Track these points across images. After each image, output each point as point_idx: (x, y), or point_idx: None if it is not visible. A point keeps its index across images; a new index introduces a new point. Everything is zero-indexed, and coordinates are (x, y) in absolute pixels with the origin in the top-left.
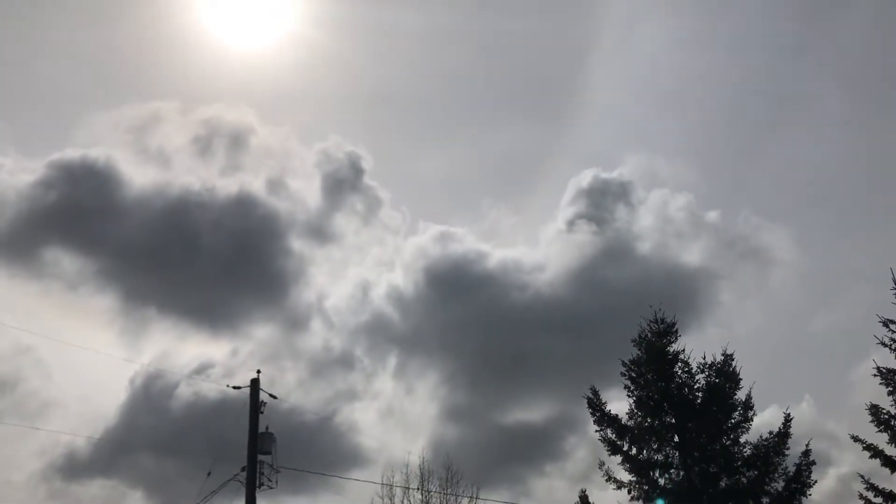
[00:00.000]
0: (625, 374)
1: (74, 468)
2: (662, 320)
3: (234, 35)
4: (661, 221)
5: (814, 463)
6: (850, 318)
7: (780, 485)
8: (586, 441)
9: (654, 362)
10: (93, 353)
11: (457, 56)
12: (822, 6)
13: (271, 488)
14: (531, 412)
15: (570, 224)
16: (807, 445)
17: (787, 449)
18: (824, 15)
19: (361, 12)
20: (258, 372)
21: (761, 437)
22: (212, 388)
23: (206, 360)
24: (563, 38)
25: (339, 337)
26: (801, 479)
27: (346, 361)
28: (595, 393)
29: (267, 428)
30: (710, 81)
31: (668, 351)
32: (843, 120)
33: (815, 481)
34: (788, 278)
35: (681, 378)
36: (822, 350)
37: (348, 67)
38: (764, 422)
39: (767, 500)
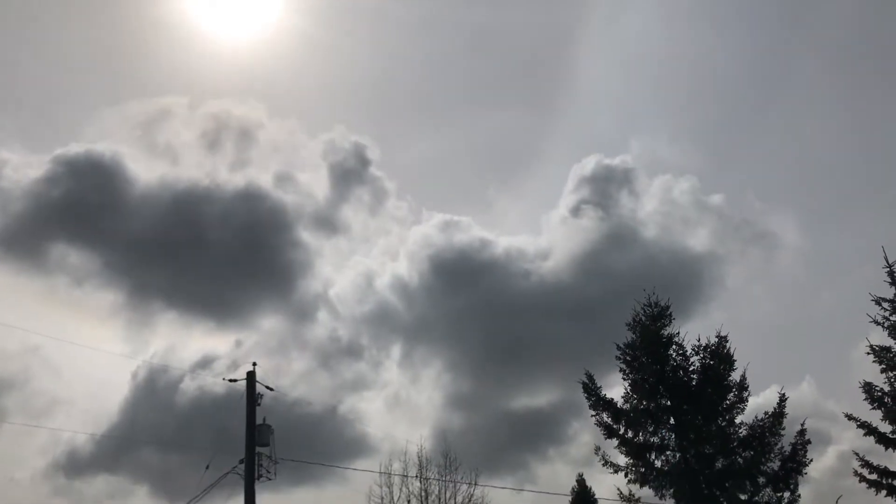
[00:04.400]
0: (620, 358)
1: (79, 465)
2: (656, 304)
3: (222, 28)
4: (666, 206)
5: (809, 442)
6: (853, 298)
7: (775, 464)
8: (589, 426)
9: (648, 346)
10: (97, 350)
11: (444, 43)
12: None
13: (270, 479)
14: (535, 398)
15: (574, 211)
16: (802, 425)
17: (783, 429)
18: None
19: (344, 2)
20: (254, 364)
21: (757, 417)
22: (213, 381)
23: (212, 352)
24: (548, 19)
25: (345, 327)
26: (796, 459)
27: (352, 351)
28: (590, 378)
29: (265, 420)
30: (701, 59)
31: (663, 334)
32: (835, 93)
33: (811, 460)
34: (792, 260)
35: (675, 361)
36: (825, 331)
37: (339, 57)
38: (767, 402)
39: (763, 480)
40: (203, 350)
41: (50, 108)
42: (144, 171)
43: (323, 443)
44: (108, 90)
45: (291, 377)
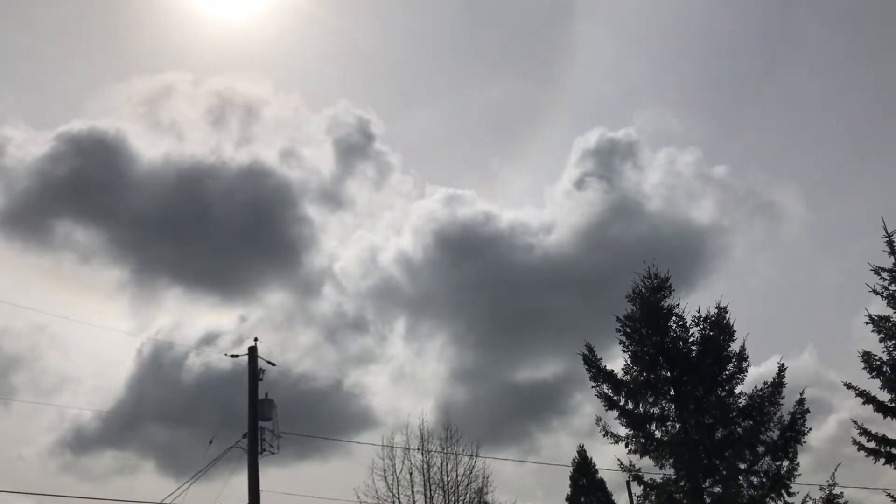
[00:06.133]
0: (620, 330)
1: (86, 441)
2: (656, 275)
3: (221, 4)
4: (670, 178)
5: (808, 411)
6: (856, 268)
7: (775, 433)
8: (592, 397)
9: (648, 317)
10: (102, 328)
11: (443, 14)
12: None
13: (273, 454)
14: (539, 370)
15: (578, 184)
16: (801, 394)
17: (783, 398)
18: None
19: None
20: (255, 340)
21: (756, 387)
22: (218, 357)
23: (217, 328)
24: None
25: (350, 302)
26: (795, 428)
27: (357, 325)
28: (590, 349)
29: (267, 394)
30: (703, 30)
31: (662, 306)
32: (839, 63)
33: (810, 429)
34: (796, 231)
35: (675, 332)
36: (827, 301)
37: (338, 32)
38: (769, 371)
39: (763, 449)
40: (208, 326)
41: (53, 86)
42: (149, 148)
43: (329, 417)
44: (110, 67)
45: (297, 352)
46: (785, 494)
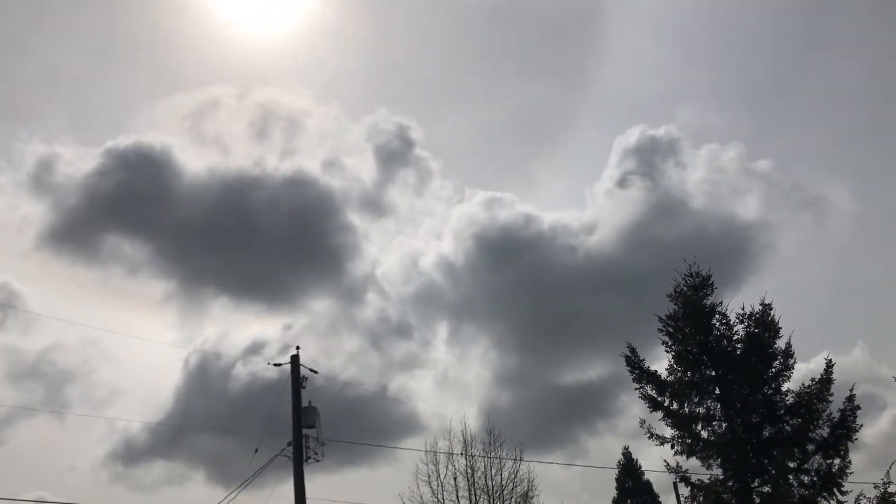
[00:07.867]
0: (662, 330)
1: (136, 453)
2: (698, 274)
3: (253, 20)
4: (714, 174)
5: (858, 408)
6: None
7: (824, 431)
8: (638, 399)
9: (691, 316)
10: (150, 341)
11: (473, 18)
12: None
13: (318, 461)
14: (584, 372)
15: (620, 183)
16: (851, 390)
17: (831, 395)
18: None
19: None
20: (297, 348)
21: (804, 384)
22: (263, 366)
23: (262, 337)
24: None
25: (393, 307)
26: (846, 425)
27: (401, 331)
28: (633, 351)
29: (310, 402)
30: (736, 20)
31: (705, 304)
32: (884, 51)
33: (861, 426)
34: (843, 225)
35: (719, 330)
36: (878, 295)
37: (371, 43)
38: (820, 368)
39: (812, 447)
40: (254, 335)
41: (99, 103)
42: (194, 161)
43: (374, 422)
44: (155, 83)
45: (342, 358)
46: (837, 493)
